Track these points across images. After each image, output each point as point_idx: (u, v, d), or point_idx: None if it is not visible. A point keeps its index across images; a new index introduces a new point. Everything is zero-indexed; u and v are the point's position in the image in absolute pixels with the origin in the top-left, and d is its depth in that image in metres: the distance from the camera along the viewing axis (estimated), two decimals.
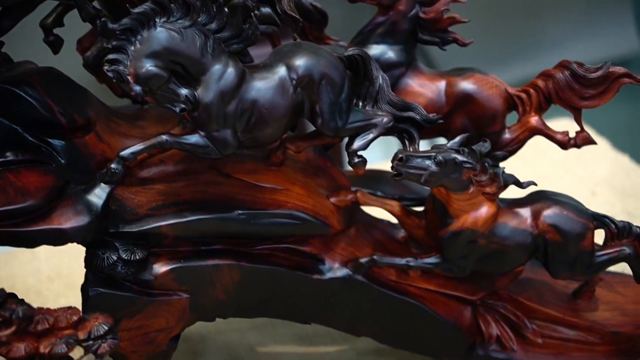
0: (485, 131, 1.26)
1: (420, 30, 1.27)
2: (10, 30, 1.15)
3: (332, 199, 1.23)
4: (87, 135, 1.15)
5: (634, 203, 1.76)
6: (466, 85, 1.26)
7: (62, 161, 1.12)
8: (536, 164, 1.90)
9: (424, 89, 1.27)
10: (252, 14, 1.11)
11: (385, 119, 1.17)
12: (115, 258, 1.09)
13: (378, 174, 1.38)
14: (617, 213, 1.74)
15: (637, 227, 1.20)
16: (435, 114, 1.20)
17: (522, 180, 1.20)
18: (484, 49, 3.31)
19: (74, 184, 1.12)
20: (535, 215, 1.19)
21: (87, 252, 1.12)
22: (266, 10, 1.17)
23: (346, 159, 1.17)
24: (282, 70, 1.12)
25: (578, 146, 1.26)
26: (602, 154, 1.93)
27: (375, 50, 1.26)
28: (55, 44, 1.23)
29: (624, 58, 2.89)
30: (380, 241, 1.28)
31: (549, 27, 3.15)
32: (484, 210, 1.17)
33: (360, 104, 1.19)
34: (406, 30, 1.26)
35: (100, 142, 1.16)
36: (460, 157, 1.14)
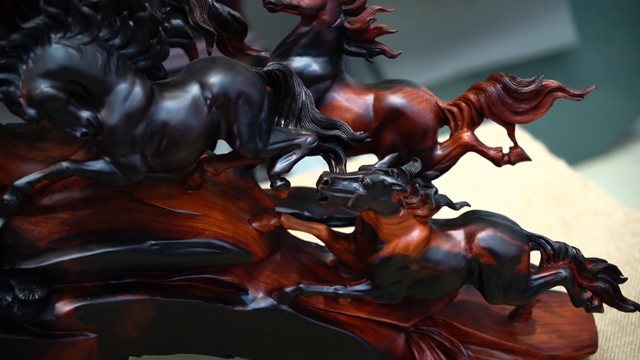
0: (416, 147, 1.20)
1: (346, 41, 1.19)
2: None
3: (255, 225, 1.14)
4: None
5: (571, 212, 1.73)
6: (395, 99, 1.19)
7: None
8: (471, 170, 1.85)
9: (351, 103, 1.20)
10: (161, 27, 1.02)
11: (309, 139, 1.09)
12: (10, 299, 0.98)
13: (304, 192, 1.30)
14: (554, 223, 1.70)
15: (573, 248, 1.16)
16: (362, 132, 1.13)
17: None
18: (417, 40, 3.29)
19: None
20: (469, 238, 1.13)
21: None
22: (177, 22, 1.07)
23: None
24: (195, 89, 1.03)
25: (512, 163, 1.20)
26: (538, 158, 1.89)
27: (298, 62, 1.18)
28: None
29: (560, 49, 2.89)
30: (308, 266, 1.20)
31: (485, 18, 3.13)
32: (416, 234, 1.11)
33: (282, 122, 1.11)
34: (331, 41, 1.19)
35: None
36: (389, 179, 1.07)
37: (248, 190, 1.19)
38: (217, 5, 1.18)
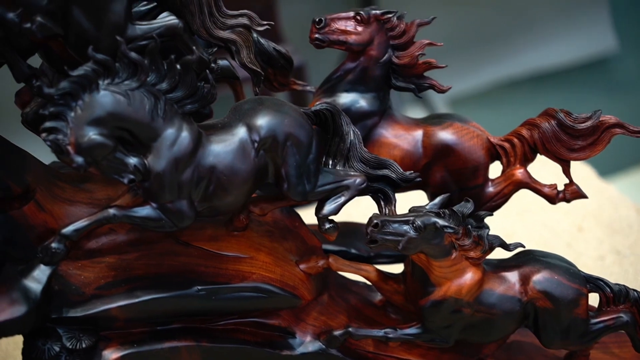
0: (467, 185, 1.17)
1: (393, 76, 1.17)
2: None
3: (302, 266, 1.12)
4: (26, 205, 1.03)
5: (623, 240, 1.67)
6: (445, 135, 1.16)
7: None
8: (520, 197, 1.80)
9: (400, 139, 1.17)
10: (208, 69, 1.01)
11: (358, 180, 1.06)
12: (58, 349, 0.97)
13: (350, 228, 1.27)
14: (606, 252, 1.65)
15: (634, 291, 1.11)
16: (412, 172, 1.09)
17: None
18: (455, 47, 3.24)
19: (11, 263, 0.99)
20: (524, 280, 1.09)
21: (25, 343, 1.00)
22: (224, 62, 1.05)
23: None
24: (242, 131, 1.01)
25: (567, 200, 1.16)
26: (588, 183, 1.84)
27: (345, 98, 1.16)
28: None
29: (600, 56, 2.82)
30: (356, 307, 1.17)
31: (524, 25, 3.08)
32: (469, 276, 1.07)
33: (330, 162, 1.08)
34: (379, 77, 1.16)
35: (41, 212, 1.04)
36: (441, 222, 1.03)
37: (294, 229, 1.17)
38: (262, 41, 1.16)
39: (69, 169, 1.14)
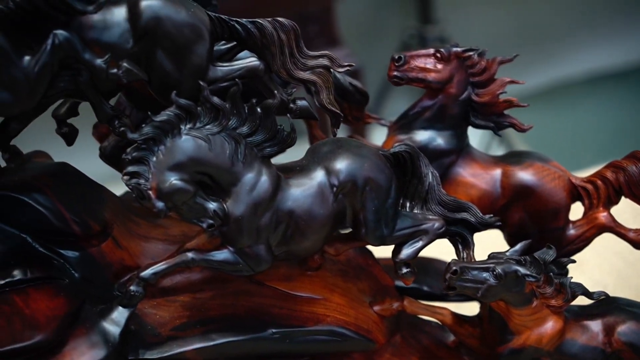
0: (547, 227, 1.13)
1: (472, 114, 1.14)
2: None
3: (376, 308, 1.10)
4: (104, 243, 1.03)
5: None
6: (525, 176, 1.13)
7: (76, 275, 1.01)
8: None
9: (477, 179, 1.14)
10: (288, 111, 0.99)
11: (436, 225, 1.04)
12: None
13: (422, 264, 1.25)
14: None
15: None
16: (492, 216, 1.06)
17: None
18: (509, 47, 3.18)
19: (89, 303, 1.00)
20: (608, 331, 1.06)
21: None
22: (302, 103, 1.04)
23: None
24: (320, 175, 1.00)
25: None
26: None
27: (422, 136, 1.14)
28: (69, 136, 1.11)
29: None
30: (429, 348, 1.15)
31: (585, 26, 3.01)
32: (549, 325, 1.04)
33: (408, 204, 1.06)
34: (457, 115, 1.13)
35: (118, 249, 1.04)
36: (522, 270, 1.01)
37: (368, 268, 1.15)
38: (338, 76, 1.15)
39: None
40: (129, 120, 1.00)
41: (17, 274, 0.98)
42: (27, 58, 0.89)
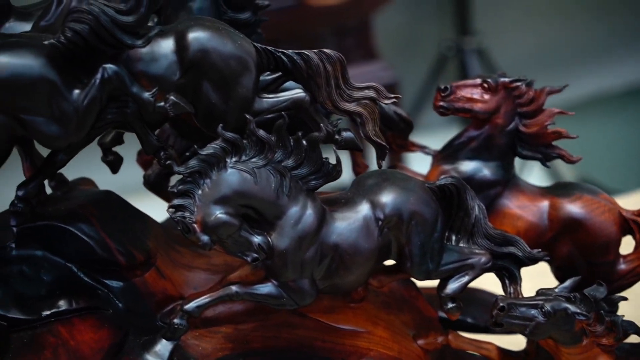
0: (596, 261, 1.11)
1: (520, 145, 1.12)
2: None
3: (420, 342, 1.08)
4: (147, 272, 1.03)
5: None
6: (574, 209, 1.10)
7: (120, 305, 1.01)
8: None
9: (524, 211, 1.12)
10: (334, 143, 0.98)
11: (483, 259, 1.02)
12: None
13: (465, 295, 1.22)
14: None
15: None
16: (540, 251, 1.04)
17: None
18: (555, 56, 3.13)
19: (133, 334, 1.00)
20: None
21: None
22: (348, 134, 1.03)
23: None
24: (365, 208, 0.99)
25: None
26: None
27: (467, 166, 1.12)
28: (115, 164, 1.12)
29: None
30: None
31: (626, 38, 2.95)
32: None
33: (453, 237, 1.04)
34: (504, 145, 1.11)
35: (161, 279, 1.04)
36: (572, 307, 0.98)
37: (411, 300, 1.14)
38: (382, 105, 1.13)
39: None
40: (174, 151, 1.00)
41: (62, 304, 0.98)
42: (76, 91, 0.90)
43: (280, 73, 1.00)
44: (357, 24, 2.71)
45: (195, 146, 0.92)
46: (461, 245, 1.03)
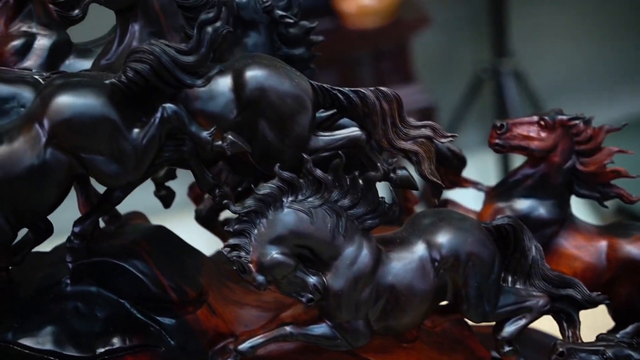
0: None
1: (576, 183, 1.10)
2: None
3: None
4: (199, 309, 1.03)
5: None
6: (634, 250, 1.08)
7: (172, 343, 1.01)
8: None
9: (581, 251, 1.10)
10: (389, 182, 0.97)
11: (541, 302, 1.00)
12: None
13: (525, 337, 1.20)
14: None
15: None
16: (600, 294, 1.02)
17: None
18: (591, 78, 3.08)
19: None
20: None
21: None
22: (403, 172, 1.02)
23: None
24: (421, 249, 0.97)
25: None
26: None
27: (522, 205, 1.10)
28: (167, 198, 1.12)
29: None
30: None
31: None
32: None
33: (510, 278, 1.02)
34: (560, 184, 1.10)
35: (213, 316, 1.04)
36: (635, 355, 0.95)
37: (464, 340, 1.11)
38: (436, 141, 1.12)
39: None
40: (229, 188, 1.00)
41: (116, 342, 0.98)
42: (135, 130, 0.90)
43: (335, 110, 0.99)
44: (394, 47, 2.71)
45: (253, 186, 0.92)
46: (518, 286, 1.01)
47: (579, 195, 1.10)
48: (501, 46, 2.96)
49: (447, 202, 1.18)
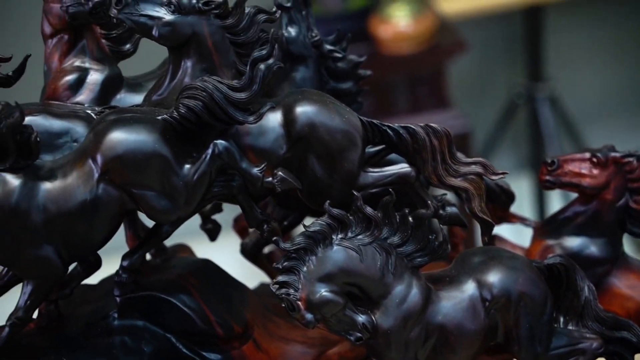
0: None
1: (630, 221, 1.07)
2: None
3: None
4: (245, 345, 1.02)
5: None
6: None
7: None
8: None
9: (634, 291, 1.07)
10: (438, 219, 0.96)
11: (594, 345, 0.98)
12: None
13: None
14: None
15: None
16: None
17: None
18: (621, 103, 3.03)
19: None
20: None
21: None
22: (452, 209, 1.01)
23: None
24: (471, 288, 0.96)
25: None
26: None
27: (573, 242, 1.08)
28: (213, 232, 1.12)
29: None
30: None
31: None
32: None
33: (562, 319, 1.00)
34: (612, 222, 1.07)
35: (259, 352, 1.03)
36: None
37: None
38: (484, 178, 1.11)
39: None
40: (276, 223, 0.99)
41: None
42: (187, 166, 0.90)
43: (384, 145, 0.99)
44: (430, 73, 2.70)
45: (303, 225, 0.91)
46: (570, 327, 0.99)
47: (632, 233, 1.08)
48: (536, 71, 2.94)
49: (495, 238, 1.16)
